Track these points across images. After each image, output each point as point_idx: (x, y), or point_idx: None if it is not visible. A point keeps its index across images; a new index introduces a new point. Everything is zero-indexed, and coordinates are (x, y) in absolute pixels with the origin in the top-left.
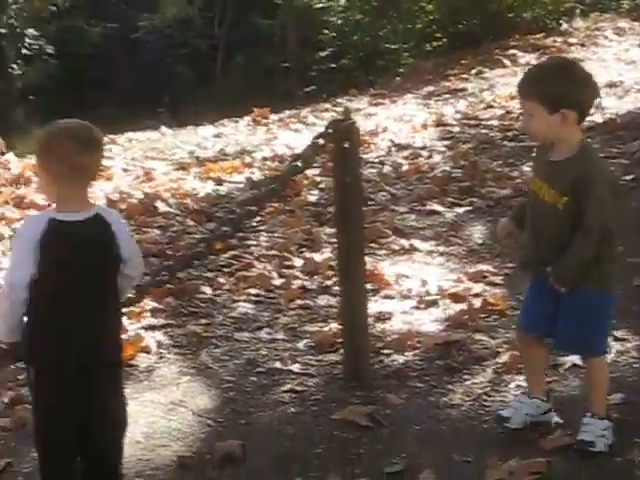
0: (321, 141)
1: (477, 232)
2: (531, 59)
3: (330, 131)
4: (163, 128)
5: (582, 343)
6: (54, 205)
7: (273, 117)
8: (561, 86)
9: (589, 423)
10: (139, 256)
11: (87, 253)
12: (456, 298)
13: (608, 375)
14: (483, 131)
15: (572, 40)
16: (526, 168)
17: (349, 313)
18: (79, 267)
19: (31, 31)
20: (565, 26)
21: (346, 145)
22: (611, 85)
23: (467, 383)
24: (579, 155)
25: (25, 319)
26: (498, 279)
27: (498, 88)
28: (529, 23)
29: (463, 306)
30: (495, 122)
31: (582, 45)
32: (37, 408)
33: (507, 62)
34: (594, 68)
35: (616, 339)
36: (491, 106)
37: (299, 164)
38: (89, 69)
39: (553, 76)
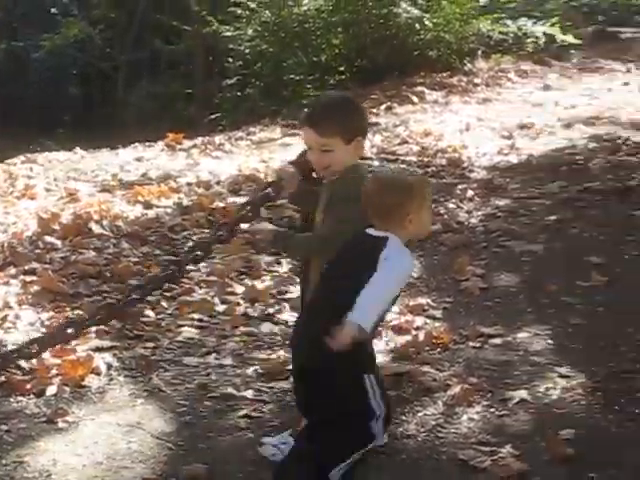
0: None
1: None
2: (438, 97)
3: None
4: (79, 149)
5: None
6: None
7: (187, 143)
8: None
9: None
10: None
11: None
12: (399, 330)
13: None
14: (402, 166)
15: (477, 80)
16: (451, 205)
17: None
18: None
19: None
20: (469, 66)
21: (315, 175)
22: (522, 127)
23: (420, 414)
24: (338, 180)
25: None
26: (438, 313)
27: (411, 124)
28: (434, 61)
29: (407, 338)
30: (414, 158)
31: (487, 85)
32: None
33: (415, 99)
34: (503, 109)
35: (561, 376)
36: (407, 142)
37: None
38: None
39: (348, 109)
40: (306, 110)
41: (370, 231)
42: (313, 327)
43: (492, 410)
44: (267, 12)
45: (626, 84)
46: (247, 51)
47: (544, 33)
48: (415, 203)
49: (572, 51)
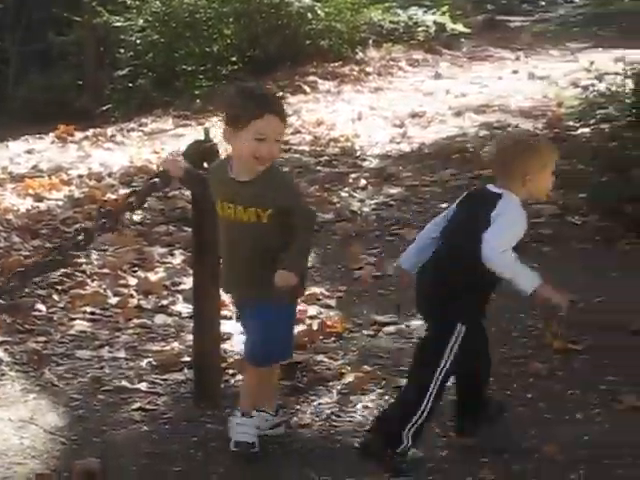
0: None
1: None
2: (330, 86)
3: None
4: None
5: None
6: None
7: (79, 135)
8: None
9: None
10: None
11: None
12: None
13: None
14: (296, 156)
15: (368, 69)
16: (344, 194)
17: (201, 333)
18: None
19: None
20: (361, 55)
21: (206, 165)
22: (414, 115)
23: (315, 404)
24: (268, 170)
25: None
26: (332, 302)
27: (303, 114)
28: (326, 51)
29: (301, 328)
30: (306, 147)
31: (379, 74)
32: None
33: (308, 89)
34: (395, 98)
35: None
36: (299, 131)
37: (134, 201)
38: None
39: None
40: (263, 98)
41: (489, 187)
42: (439, 273)
43: (386, 398)
44: (157, 2)
45: (515, 72)
46: (138, 41)
47: (434, 22)
48: (537, 165)
49: (462, 40)
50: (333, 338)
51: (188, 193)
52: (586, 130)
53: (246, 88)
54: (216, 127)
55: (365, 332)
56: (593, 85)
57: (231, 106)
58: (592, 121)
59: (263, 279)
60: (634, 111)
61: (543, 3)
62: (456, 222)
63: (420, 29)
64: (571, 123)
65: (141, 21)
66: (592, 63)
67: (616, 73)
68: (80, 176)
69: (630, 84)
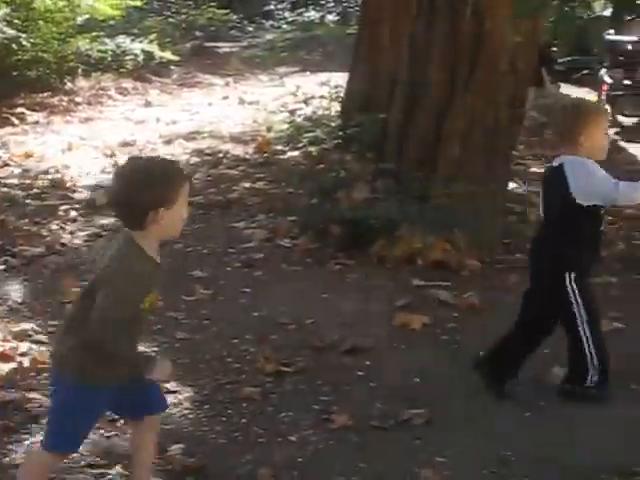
0: None
1: (15, 291)
2: (39, 118)
3: None
4: None
5: None
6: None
7: None
8: None
9: None
10: None
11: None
12: (4, 358)
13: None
14: (4, 189)
15: (78, 99)
16: (54, 227)
17: None
18: None
19: None
20: (70, 85)
21: None
22: (125, 144)
23: (27, 442)
24: None
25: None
26: (44, 337)
27: (11, 147)
28: (34, 82)
29: (12, 365)
30: (15, 180)
31: (89, 104)
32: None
33: (16, 121)
34: (105, 128)
35: (168, 392)
36: (8, 164)
37: None
38: None
39: None
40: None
41: (551, 164)
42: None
43: (101, 432)
44: None
45: (225, 98)
46: None
47: (142, 50)
48: (587, 122)
49: (172, 67)
50: (46, 374)
51: None
52: (295, 154)
53: (160, 161)
54: None
55: None
56: (300, 109)
57: (162, 184)
58: (300, 145)
59: None
60: (340, 133)
61: (251, 29)
62: (546, 203)
63: (128, 58)
64: (280, 147)
65: None
66: (299, 87)
67: (322, 96)
68: None
69: (336, 107)
